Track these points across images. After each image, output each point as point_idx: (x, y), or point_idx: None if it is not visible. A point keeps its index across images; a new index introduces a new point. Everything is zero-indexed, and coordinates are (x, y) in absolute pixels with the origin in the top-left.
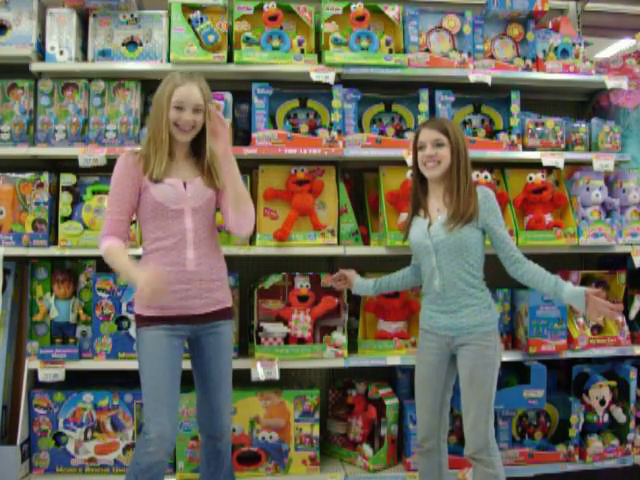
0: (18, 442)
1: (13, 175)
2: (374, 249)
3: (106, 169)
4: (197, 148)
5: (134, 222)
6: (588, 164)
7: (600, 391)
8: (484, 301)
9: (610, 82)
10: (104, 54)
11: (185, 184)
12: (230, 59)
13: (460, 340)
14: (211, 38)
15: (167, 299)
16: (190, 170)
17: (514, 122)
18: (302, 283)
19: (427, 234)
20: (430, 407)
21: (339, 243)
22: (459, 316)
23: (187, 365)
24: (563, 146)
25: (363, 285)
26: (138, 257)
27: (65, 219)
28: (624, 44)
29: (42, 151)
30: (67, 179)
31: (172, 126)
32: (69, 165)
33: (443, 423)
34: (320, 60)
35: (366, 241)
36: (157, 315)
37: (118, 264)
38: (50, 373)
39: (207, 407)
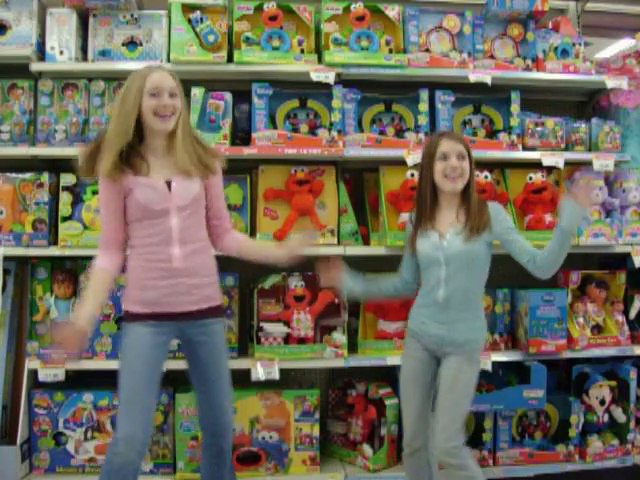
0: (18, 442)
1: (13, 175)
2: (374, 249)
3: None
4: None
5: None
6: (588, 164)
7: (600, 391)
8: (478, 319)
9: (610, 82)
10: (104, 54)
11: (170, 183)
12: (230, 59)
13: (447, 349)
14: (211, 38)
15: (154, 294)
16: (174, 166)
17: (514, 122)
18: (297, 283)
19: (439, 246)
20: (418, 402)
21: (339, 243)
22: (451, 329)
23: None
24: (563, 146)
25: (352, 278)
26: None
27: (65, 219)
28: (624, 44)
29: (42, 151)
30: (67, 179)
31: (151, 117)
32: (69, 165)
33: (430, 420)
34: (320, 60)
35: (366, 241)
36: (144, 312)
37: (85, 295)
38: (50, 373)
39: (208, 406)
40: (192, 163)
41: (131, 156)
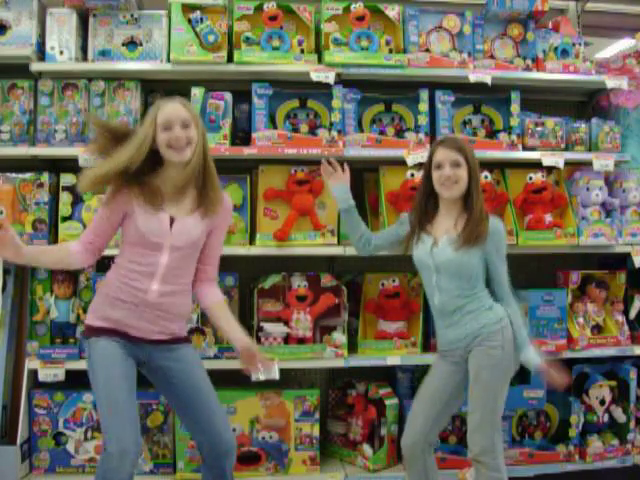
0: (18, 442)
1: (13, 175)
2: None
3: None
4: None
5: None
6: (588, 164)
7: (600, 391)
8: (484, 304)
9: (610, 82)
10: (104, 54)
11: (173, 220)
12: (230, 59)
13: (470, 347)
14: (211, 38)
15: (120, 314)
16: (185, 204)
17: (514, 122)
18: (299, 283)
19: (429, 254)
20: (424, 417)
21: (339, 243)
22: (462, 325)
23: None
24: (563, 146)
25: (348, 192)
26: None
27: (65, 219)
28: (624, 44)
29: (42, 151)
30: (67, 179)
31: (166, 150)
32: (69, 165)
33: (432, 435)
34: (320, 60)
35: None
36: (109, 327)
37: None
38: (50, 373)
39: (201, 430)
40: (199, 203)
41: (148, 183)
